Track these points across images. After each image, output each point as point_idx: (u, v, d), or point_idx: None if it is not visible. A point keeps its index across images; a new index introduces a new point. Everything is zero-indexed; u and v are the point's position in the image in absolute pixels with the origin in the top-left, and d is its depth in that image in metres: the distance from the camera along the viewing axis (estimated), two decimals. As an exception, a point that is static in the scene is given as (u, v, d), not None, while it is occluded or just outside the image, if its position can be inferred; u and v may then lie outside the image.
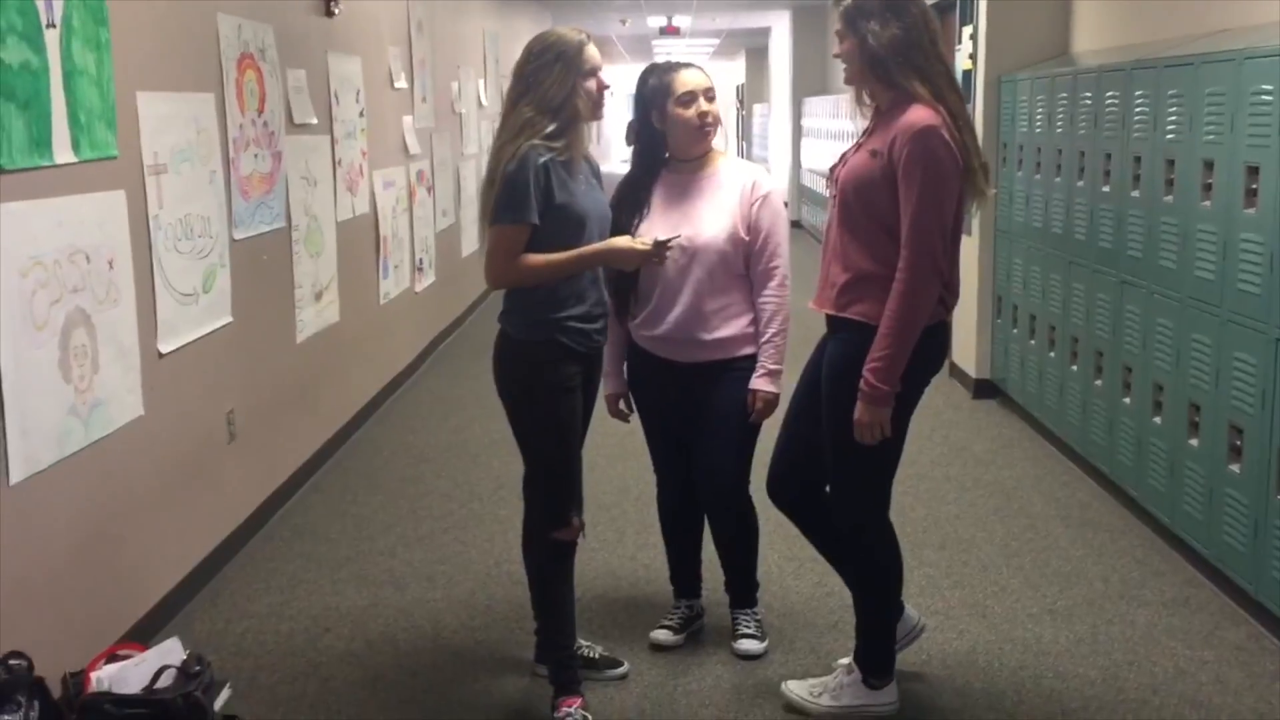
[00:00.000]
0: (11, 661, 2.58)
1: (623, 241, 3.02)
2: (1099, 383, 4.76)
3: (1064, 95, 5.18)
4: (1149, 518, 4.31)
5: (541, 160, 2.90)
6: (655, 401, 3.41)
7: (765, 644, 3.42)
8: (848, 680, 3.05)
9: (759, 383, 3.25)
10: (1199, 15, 4.50)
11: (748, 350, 3.28)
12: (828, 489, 3.03)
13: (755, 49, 23.14)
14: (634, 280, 3.30)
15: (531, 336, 2.98)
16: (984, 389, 6.34)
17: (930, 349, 2.86)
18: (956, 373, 6.69)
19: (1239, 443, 3.61)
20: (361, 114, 6.06)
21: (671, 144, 3.30)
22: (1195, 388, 3.89)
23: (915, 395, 2.89)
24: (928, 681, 3.25)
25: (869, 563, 3.01)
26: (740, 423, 3.28)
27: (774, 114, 19.02)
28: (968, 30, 6.35)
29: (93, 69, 3.26)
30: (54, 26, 3.06)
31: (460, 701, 3.21)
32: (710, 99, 3.25)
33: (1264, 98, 3.43)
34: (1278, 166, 3.35)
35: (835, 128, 12.26)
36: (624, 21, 17.79)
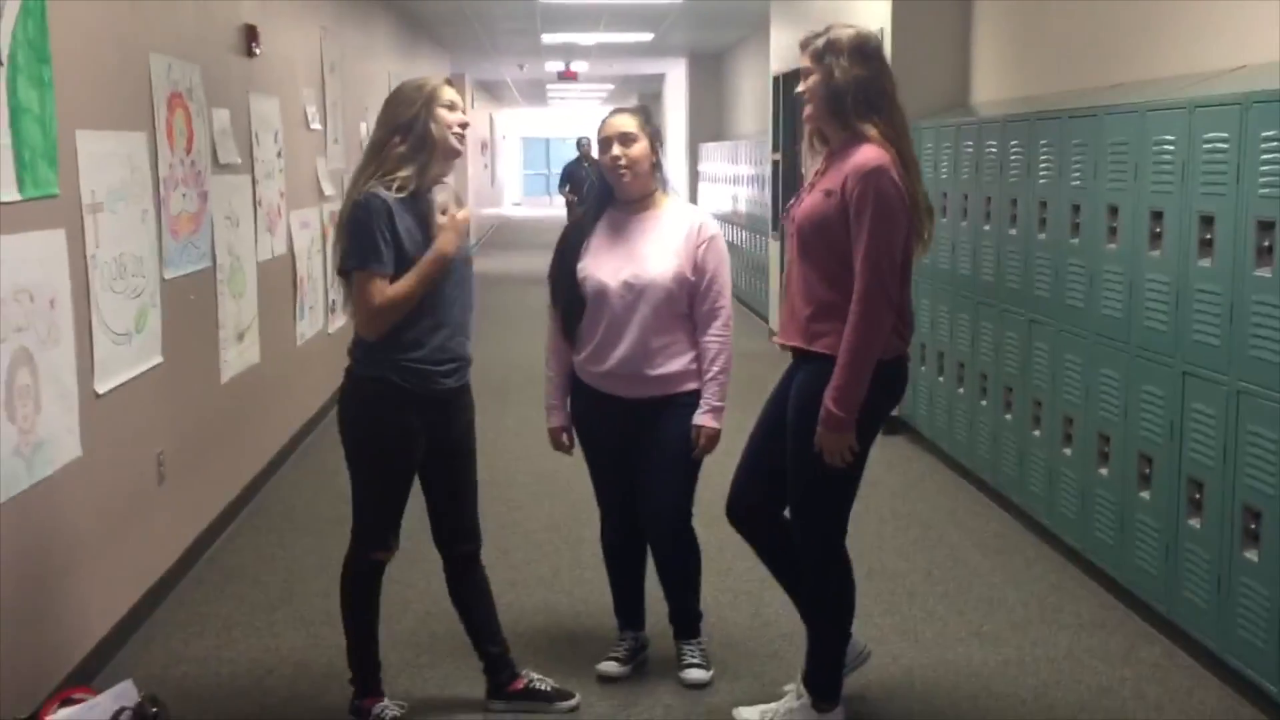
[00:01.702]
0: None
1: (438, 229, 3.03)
2: (1008, 417, 4.98)
3: (969, 143, 5.44)
4: (1061, 545, 4.52)
5: (381, 200, 2.95)
6: (600, 436, 3.48)
7: (710, 673, 3.50)
8: (797, 705, 3.14)
9: (703, 419, 3.35)
10: (1094, 70, 4.79)
11: (690, 386, 3.38)
12: (786, 514, 3.14)
13: (649, 94, 23.50)
14: (579, 318, 3.39)
15: (368, 373, 3.07)
16: (892, 425, 6.55)
17: (890, 380, 3.00)
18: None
19: (1148, 470, 3.83)
20: (279, 154, 6.05)
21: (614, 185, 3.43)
22: (1105, 419, 4.12)
23: (876, 425, 3.02)
24: (870, 704, 3.37)
25: (826, 591, 3.11)
26: (684, 457, 3.38)
27: (669, 158, 19.32)
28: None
29: (36, 107, 3.23)
30: (1, 64, 3.04)
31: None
32: (625, 143, 3.33)
33: (1166, 147, 3.68)
34: (1179, 211, 3.60)
35: (733, 172, 12.54)
36: (521, 66, 17.98)
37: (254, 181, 5.54)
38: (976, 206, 5.34)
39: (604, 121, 3.40)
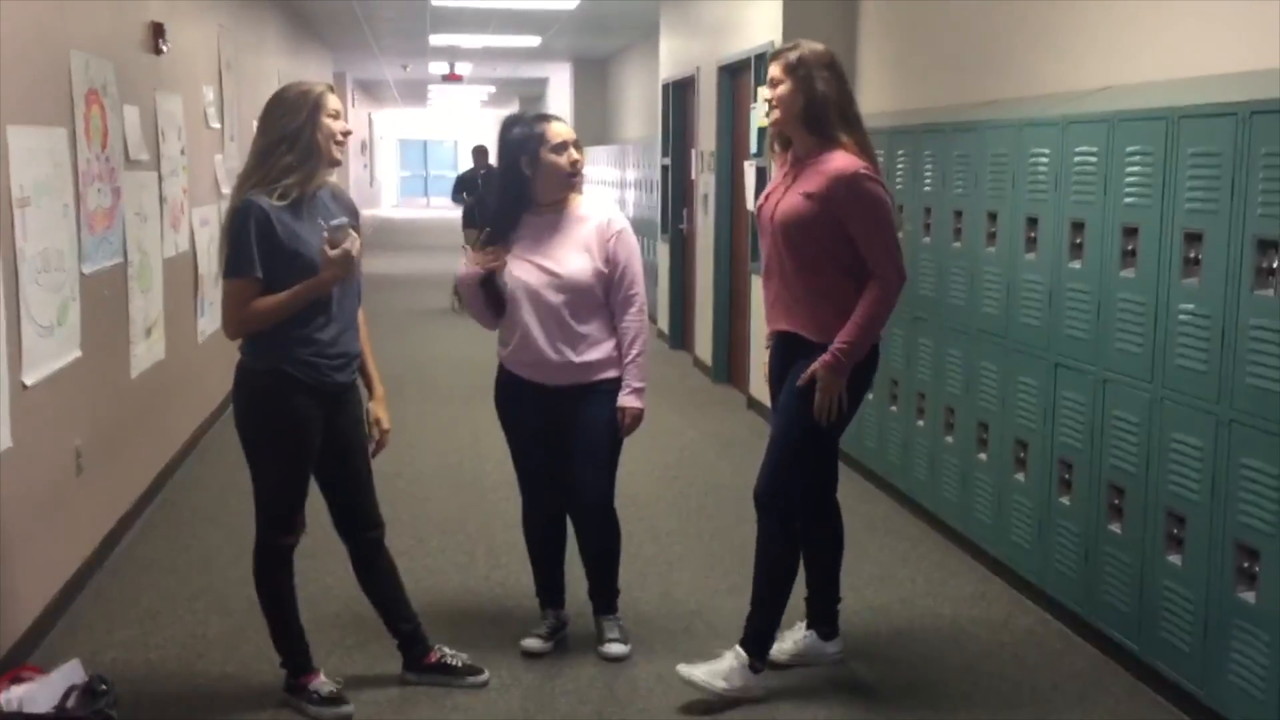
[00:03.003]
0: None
1: (323, 259, 3.09)
2: (894, 409, 5.32)
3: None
4: (943, 526, 4.86)
5: (260, 209, 3.04)
6: (525, 424, 3.67)
7: (629, 647, 3.72)
8: (736, 664, 3.38)
9: (627, 400, 3.57)
10: (972, 85, 5.16)
11: (610, 373, 3.60)
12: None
13: (530, 97, 23.64)
14: (501, 310, 3.58)
15: (258, 364, 3.18)
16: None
17: (874, 358, 3.39)
18: (755, 405, 7.21)
19: (1023, 455, 4.19)
20: (183, 151, 6.08)
21: (539, 188, 3.55)
22: (983, 409, 4.47)
23: (861, 398, 3.38)
24: (790, 672, 3.62)
25: (778, 542, 3.38)
26: (607, 440, 3.60)
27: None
28: (764, 90, 6.91)
29: (-28, 102, 3.29)
30: (-57, 59, 3.10)
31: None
32: (579, 149, 3.57)
33: (1041, 159, 4.04)
34: (1053, 218, 3.96)
35: (620, 176, 12.78)
36: (405, 67, 17.96)
37: (160, 178, 5.57)
38: (863, 212, 5.67)
39: (551, 128, 3.53)
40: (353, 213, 3.30)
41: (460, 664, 3.52)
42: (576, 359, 3.55)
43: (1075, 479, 3.86)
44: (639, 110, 13.57)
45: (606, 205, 3.71)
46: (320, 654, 3.56)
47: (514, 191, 3.59)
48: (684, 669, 3.40)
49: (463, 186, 12.18)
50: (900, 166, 5.24)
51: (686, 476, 5.80)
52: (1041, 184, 4.03)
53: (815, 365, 3.25)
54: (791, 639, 3.64)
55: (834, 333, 3.27)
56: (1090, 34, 4.26)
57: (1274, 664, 2.97)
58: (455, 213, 13.73)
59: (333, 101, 3.15)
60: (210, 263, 6.74)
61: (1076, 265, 3.83)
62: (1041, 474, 4.06)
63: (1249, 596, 3.07)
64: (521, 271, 3.54)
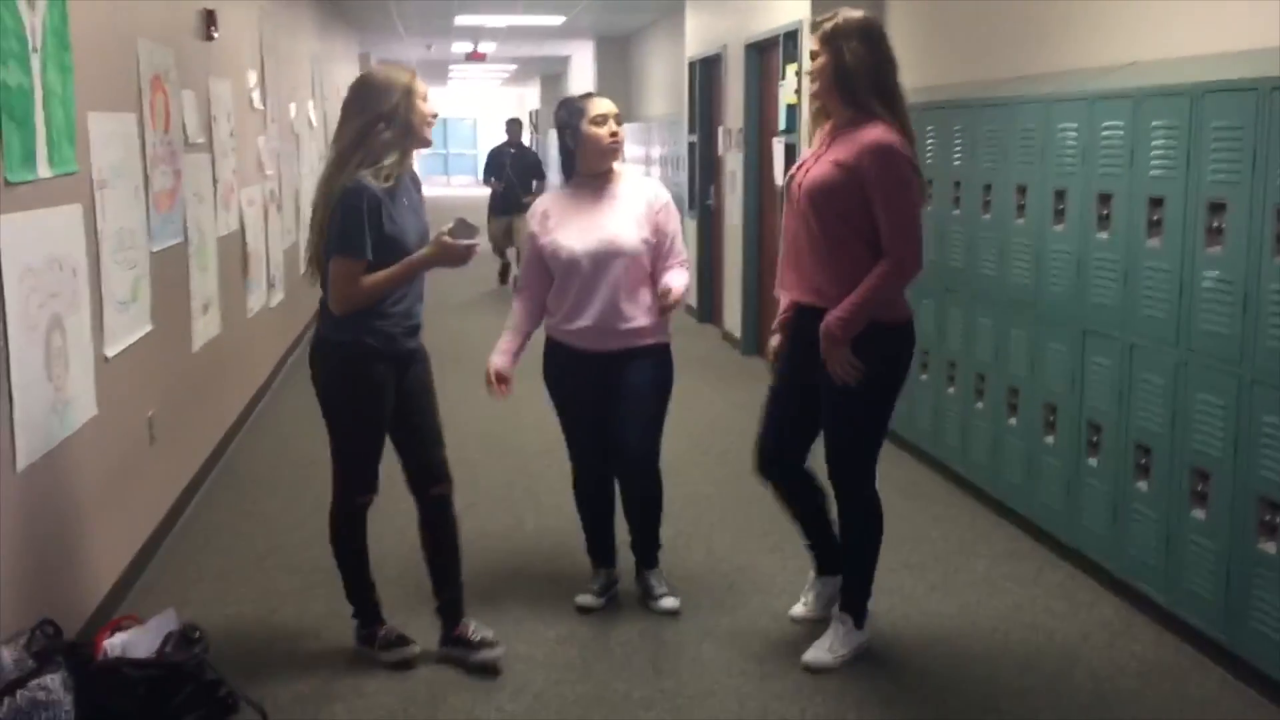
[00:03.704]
0: (46, 628, 2.82)
1: (442, 244, 3.27)
2: (924, 377, 5.50)
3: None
4: (974, 489, 5.05)
5: (373, 193, 3.19)
6: (575, 389, 3.85)
7: (679, 600, 3.93)
8: (843, 630, 3.55)
9: (670, 279, 3.71)
10: (1000, 62, 5.31)
11: (655, 340, 3.80)
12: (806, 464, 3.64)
13: (551, 75, 23.75)
14: (550, 282, 3.78)
15: (340, 336, 3.33)
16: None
17: (908, 339, 3.44)
18: (786, 376, 7.39)
19: (1053, 419, 4.36)
20: (231, 134, 6.28)
21: (583, 160, 3.76)
22: (1014, 375, 4.64)
23: (903, 379, 3.45)
24: (818, 625, 3.82)
25: (863, 523, 3.51)
26: (654, 401, 3.81)
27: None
28: (792, 67, 7.08)
29: (59, 89, 3.49)
30: (37, 50, 3.30)
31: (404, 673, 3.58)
32: (619, 122, 3.76)
33: (1069, 134, 4.20)
34: (1080, 191, 4.12)
35: (646, 154, 12.93)
36: (429, 46, 18.10)
37: (213, 160, 5.77)
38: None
39: (591, 100, 3.76)
40: (418, 187, 3.49)
41: (480, 637, 3.53)
42: (627, 325, 3.74)
43: (1103, 440, 4.04)
44: (663, 87, 13.69)
45: (650, 180, 3.93)
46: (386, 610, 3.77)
47: (568, 165, 3.83)
48: (809, 659, 3.52)
49: (492, 169, 11.94)
50: (930, 142, 5.40)
51: (720, 444, 5.99)
52: (1070, 158, 4.20)
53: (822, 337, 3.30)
54: (811, 593, 3.81)
55: (838, 299, 3.31)
56: (1116, 11, 4.40)
57: None
58: (478, 191, 13.67)
59: (422, 85, 3.32)
60: (258, 241, 6.96)
61: (1104, 236, 4.00)
62: (1071, 436, 4.24)
63: (1270, 547, 3.24)
64: (575, 241, 3.72)
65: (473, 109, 36.10)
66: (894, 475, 5.42)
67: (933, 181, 5.38)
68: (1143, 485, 3.83)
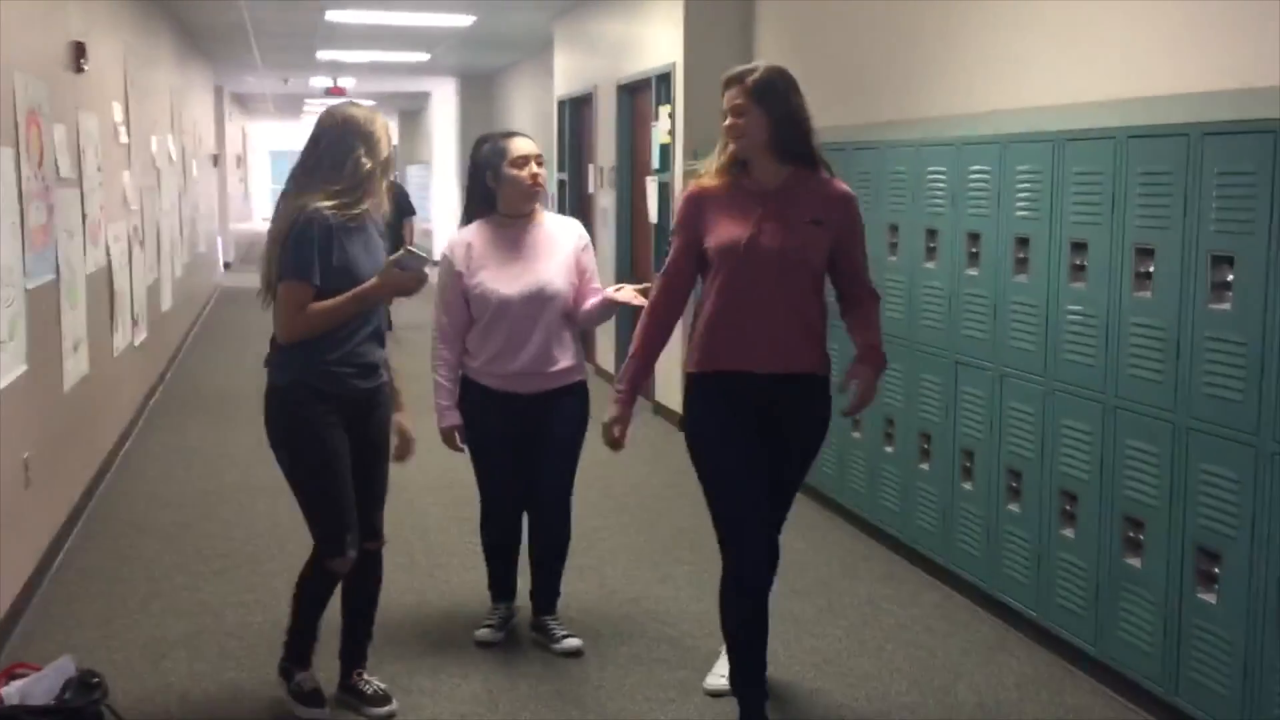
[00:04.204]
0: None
1: (390, 274, 3.20)
2: (801, 408, 5.68)
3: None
4: (852, 516, 5.24)
5: (325, 222, 3.16)
6: (494, 430, 3.77)
7: (580, 640, 3.90)
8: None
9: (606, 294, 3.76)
10: (869, 107, 5.57)
11: (577, 378, 3.85)
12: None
13: (410, 111, 23.65)
14: (470, 325, 3.75)
15: (283, 379, 3.25)
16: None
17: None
18: (662, 410, 7.53)
19: (928, 447, 4.58)
20: (99, 169, 6.13)
21: (504, 201, 3.76)
22: (889, 405, 4.85)
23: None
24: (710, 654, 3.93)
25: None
26: (574, 445, 3.86)
27: (436, 175, 19.60)
28: (665, 109, 7.26)
29: (-59, 123, 3.40)
30: (-79, 83, 3.22)
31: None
32: (540, 164, 3.77)
33: (939, 177, 4.45)
34: (951, 229, 4.37)
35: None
36: (286, 80, 17.86)
37: (82, 195, 5.63)
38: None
39: (513, 140, 3.74)
40: (382, 232, 3.43)
41: (372, 691, 3.47)
42: (555, 367, 3.76)
43: (976, 467, 4.27)
44: (529, 125, 13.80)
45: (570, 219, 3.96)
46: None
47: (483, 205, 3.81)
48: (710, 685, 3.57)
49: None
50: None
51: (606, 478, 6.07)
52: (939, 199, 4.44)
53: (863, 370, 3.22)
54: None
55: (826, 362, 3.27)
56: (980, 61, 4.69)
57: (1158, 620, 3.39)
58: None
59: (381, 129, 3.30)
60: (123, 278, 6.79)
61: (974, 272, 4.24)
62: (945, 464, 4.46)
63: (1135, 562, 3.49)
64: (504, 285, 3.70)
65: (327, 144, 35.59)
66: (774, 504, 5.60)
67: (807, 220, 5.59)
68: (1014, 508, 4.06)
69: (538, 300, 3.71)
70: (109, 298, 6.37)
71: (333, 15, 10.38)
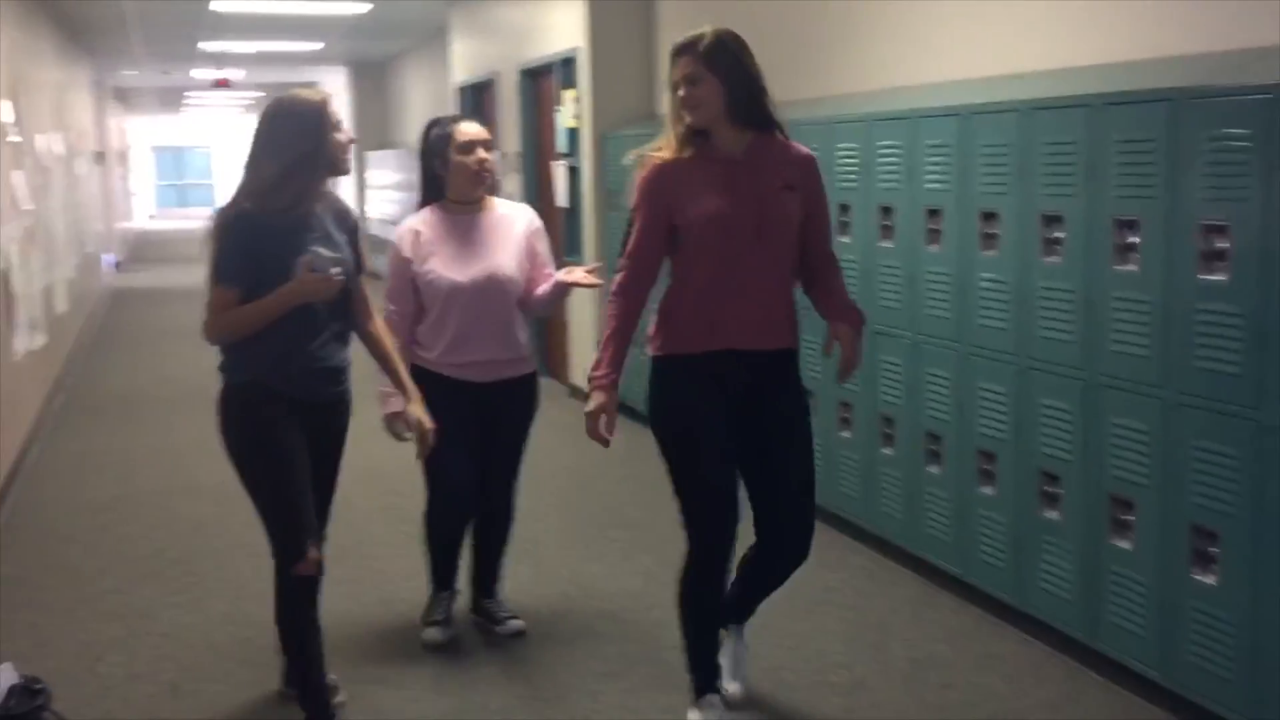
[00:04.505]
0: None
1: (301, 277, 3.00)
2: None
3: (667, 150, 6.21)
4: (774, 486, 5.36)
5: (248, 218, 2.99)
6: (448, 422, 3.49)
7: (523, 621, 3.92)
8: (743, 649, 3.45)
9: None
10: (779, 86, 5.67)
11: (533, 368, 3.84)
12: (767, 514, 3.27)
13: (298, 102, 23.19)
14: (419, 313, 3.67)
15: (236, 378, 3.12)
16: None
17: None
18: (577, 393, 7.59)
19: (849, 415, 4.72)
20: (-8, 169, 5.96)
21: (452, 187, 3.68)
22: (810, 378, 4.96)
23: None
24: (659, 625, 4.01)
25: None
26: (525, 437, 3.86)
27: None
28: (570, 93, 7.30)
29: None
30: None
31: (251, 704, 3.51)
32: (487, 149, 3.68)
33: (850, 152, 4.57)
34: (863, 204, 4.49)
35: (409, 180, 12.90)
36: (166, 72, 17.41)
37: (-22, 196, 5.48)
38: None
39: (459, 128, 3.64)
40: (351, 227, 3.26)
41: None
42: (510, 355, 3.72)
43: (897, 432, 4.41)
44: (425, 113, 13.69)
45: (521, 205, 3.90)
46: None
47: (433, 191, 3.74)
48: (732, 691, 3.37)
49: None
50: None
51: (533, 461, 6.05)
52: (852, 173, 4.57)
53: (843, 329, 3.09)
54: (728, 660, 3.44)
55: (797, 335, 3.16)
56: (887, 38, 4.82)
57: (1077, 570, 3.56)
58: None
59: (335, 112, 3.10)
60: (17, 281, 6.60)
61: (888, 244, 4.38)
62: (867, 430, 4.60)
63: (1054, 515, 3.65)
64: (456, 272, 3.63)
65: (208, 137, 34.74)
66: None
67: (719, 199, 5.69)
68: (934, 469, 4.21)
69: (490, 288, 3.66)
70: (6, 301, 6.19)
71: (218, 5, 10.17)
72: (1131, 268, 3.30)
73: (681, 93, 3.01)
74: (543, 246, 3.84)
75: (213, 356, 3.22)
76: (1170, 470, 3.20)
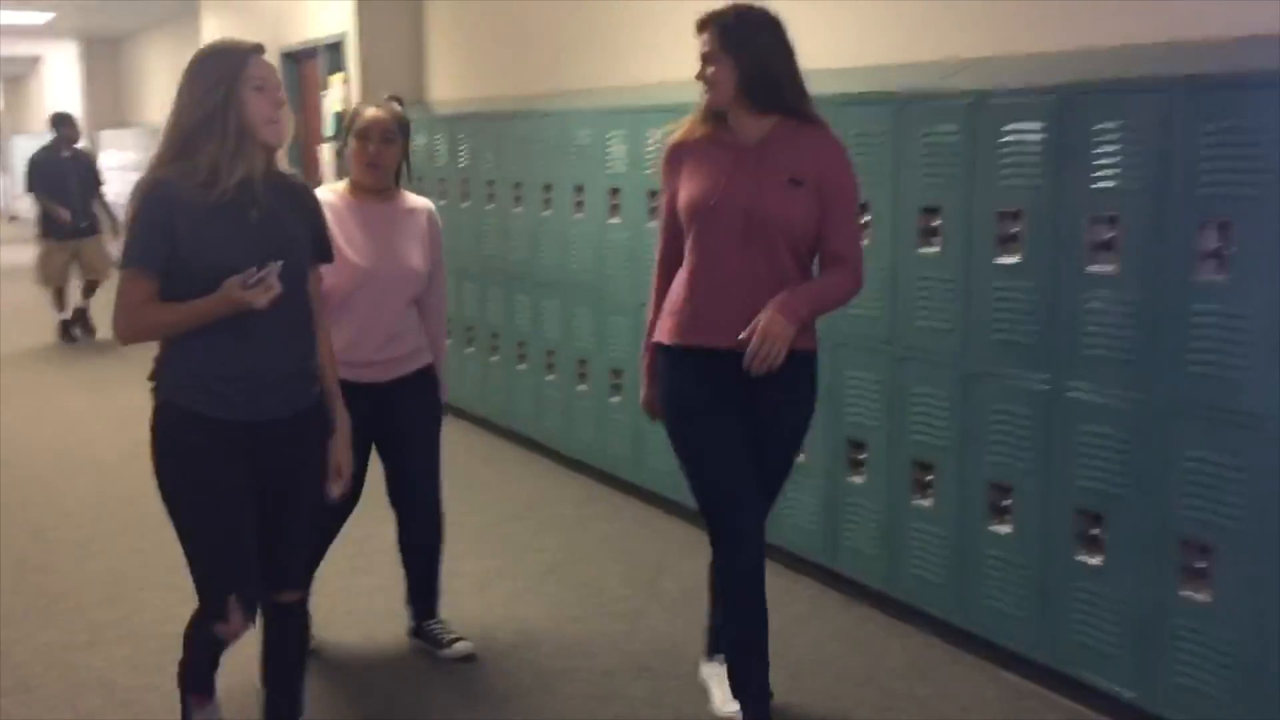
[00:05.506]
0: None
1: (235, 289, 2.44)
2: (495, 358, 6.08)
3: (428, 136, 6.41)
4: (546, 450, 5.71)
5: (169, 193, 2.44)
6: (360, 427, 2.99)
7: (470, 643, 3.60)
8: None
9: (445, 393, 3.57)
10: (529, 79, 6.06)
11: (425, 361, 3.51)
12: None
13: (16, 77, 21.78)
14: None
15: (159, 396, 2.58)
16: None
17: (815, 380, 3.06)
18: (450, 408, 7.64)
19: (619, 381, 5.11)
20: None
21: (352, 173, 3.39)
22: (580, 348, 5.35)
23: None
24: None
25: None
26: (436, 435, 3.55)
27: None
28: (338, 76, 7.41)
29: None
30: None
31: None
32: (387, 139, 3.32)
33: (582, 141, 5.10)
34: (595, 185, 5.01)
35: (139, 160, 12.41)
36: None
37: None
38: (456, 187, 6.38)
39: (365, 110, 3.34)
40: (310, 208, 2.69)
41: None
42: (405, 351, 3.44)
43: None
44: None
45: (423, 199, 3.55)
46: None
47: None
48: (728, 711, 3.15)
49: (45, 180, 9.07)
50: (462, 148, 6.10)
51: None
52: (585, 158, 5.10)
53: (765, 313, 2.74)
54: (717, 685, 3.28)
55: (812, 336, 2.95)
56: (620, 40, 5.30)
57: (948, 555, 3.56)
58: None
59: (258, 68, 2.48)
60: None
61: (616, 221, 4.94)
62: (634, 395, 4.97)
63: (924, 503, 3.62)
64: (361, 258, 3.30)
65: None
66: (477, 447, 5.97)
67: (468, 181, 6.04)
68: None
69: (403, 281, 3.39)
70: None
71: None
72: (934, 249, 3.50)
73: (699, 71, 2.85)
74: (439, 250, 3.53)
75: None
76: (1047, 458, 3.25)
